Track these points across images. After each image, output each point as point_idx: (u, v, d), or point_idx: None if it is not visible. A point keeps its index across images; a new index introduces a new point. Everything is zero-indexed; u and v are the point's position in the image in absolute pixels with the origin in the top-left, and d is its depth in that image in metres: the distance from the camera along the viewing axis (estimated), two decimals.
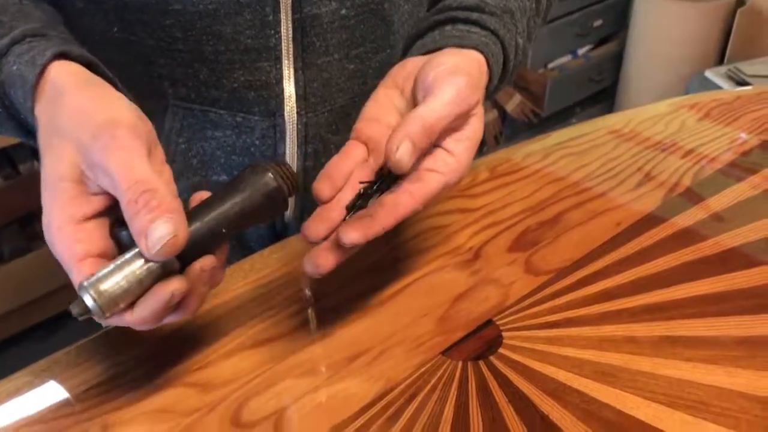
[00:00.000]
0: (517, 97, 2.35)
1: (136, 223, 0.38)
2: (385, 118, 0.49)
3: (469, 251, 0.59)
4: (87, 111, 0.41)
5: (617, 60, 2.49)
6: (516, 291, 0.55)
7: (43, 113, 0.43)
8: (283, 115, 0.59)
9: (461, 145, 0.46)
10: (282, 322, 0.53)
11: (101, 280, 0.39)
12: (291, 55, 0.57)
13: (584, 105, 2.54)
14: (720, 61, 2.35)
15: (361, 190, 0.46)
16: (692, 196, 0.66)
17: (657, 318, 0.51)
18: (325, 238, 0.45)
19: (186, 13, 0.54)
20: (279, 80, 0.58)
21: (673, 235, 0.60)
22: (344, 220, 0.46)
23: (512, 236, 0.61)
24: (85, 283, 0.39)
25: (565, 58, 2.44)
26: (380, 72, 0.59)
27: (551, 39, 2.33)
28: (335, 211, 0.46)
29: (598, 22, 2.43)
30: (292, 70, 0.58)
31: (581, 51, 2.47)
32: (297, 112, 0.60)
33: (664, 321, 0.51)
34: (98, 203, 0.41)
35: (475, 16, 0.55)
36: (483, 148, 2.42)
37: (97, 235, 0.40)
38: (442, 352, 0.50)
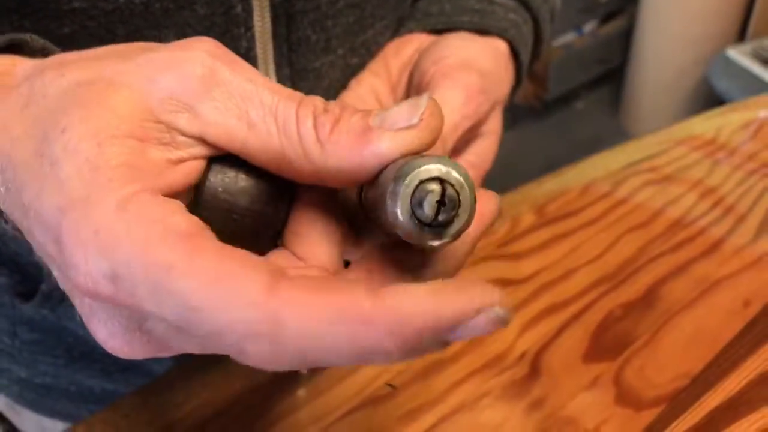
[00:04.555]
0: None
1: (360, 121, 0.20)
2: None
3: (521, 360, 0.37)
4: (131, 50, 0.22)
5: (626, 38, 2.27)
6: None
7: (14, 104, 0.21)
8: None
9: None
10: None
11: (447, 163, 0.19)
12: (272, 62, 0.36)
13: (590, 87, 2.32)
14: (740, 38, 2.14)
15: None
16: None
17: None
18: None
19: (96, 14, 0.31)
20: None
21: None
22: None
23: (587, 331, 0.38)
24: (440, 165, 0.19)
25: (570, 36, 2.21)
26: None
27: None
28: None
29: None
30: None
31: (587, 28, 2.25)
32: None
33: None
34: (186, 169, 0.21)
35: None
36: None
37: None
38: None
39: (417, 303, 0.17)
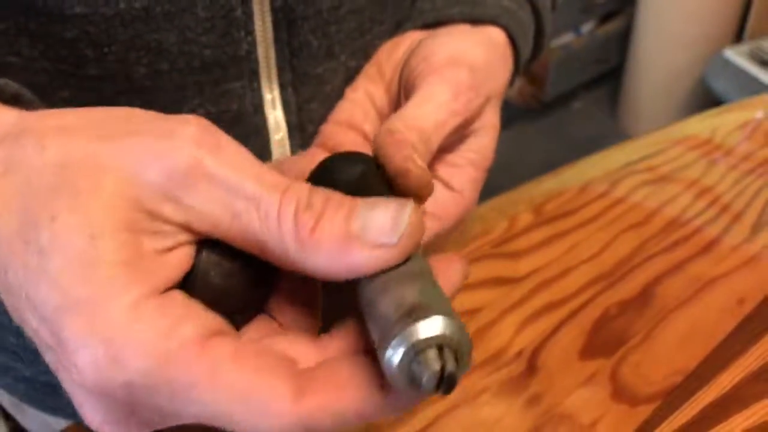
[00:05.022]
0: (518, 80, 2.13)
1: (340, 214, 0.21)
2: (362, 124, 0.35)
3: (519, 357, 0.37)
4: (111, 124, 0.22)
5: (624, 38, 2.27)
6: None
7: None
8: (270, 159, 0.36)
9: (463, 174, 0.32)
10: None
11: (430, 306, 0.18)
12: (274, 66, 0.35)
13: (588, 87, 2.33)
14: (737, 38, 2.14)
15: None
16: None
17: None
18: None
19: (98, 19, 0.31)
20: (258, 107, 0.36)
21: None
22: None
23: (583, 328, 0.39)
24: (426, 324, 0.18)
25: (568, 36, 2.21)
26: None
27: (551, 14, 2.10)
28: None
29: None
30: (277, 89, 0.36)
31: (585, 28, 2.25)
32: (291, 151, 0.37)
33: None
34: (175, 262, 0.21)
35: None
36: None
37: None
38: None
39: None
